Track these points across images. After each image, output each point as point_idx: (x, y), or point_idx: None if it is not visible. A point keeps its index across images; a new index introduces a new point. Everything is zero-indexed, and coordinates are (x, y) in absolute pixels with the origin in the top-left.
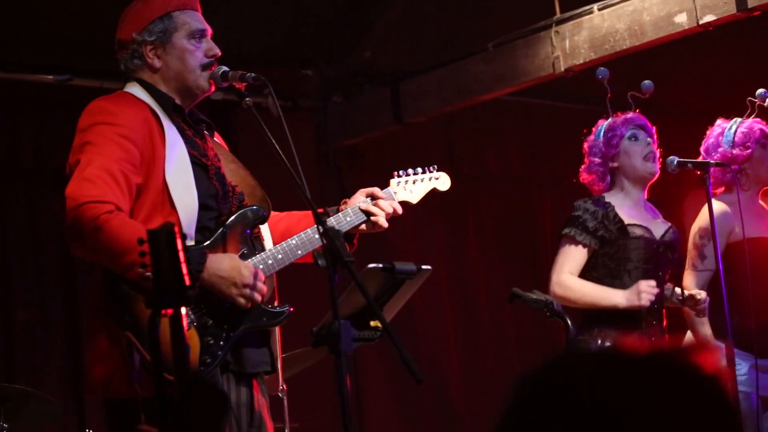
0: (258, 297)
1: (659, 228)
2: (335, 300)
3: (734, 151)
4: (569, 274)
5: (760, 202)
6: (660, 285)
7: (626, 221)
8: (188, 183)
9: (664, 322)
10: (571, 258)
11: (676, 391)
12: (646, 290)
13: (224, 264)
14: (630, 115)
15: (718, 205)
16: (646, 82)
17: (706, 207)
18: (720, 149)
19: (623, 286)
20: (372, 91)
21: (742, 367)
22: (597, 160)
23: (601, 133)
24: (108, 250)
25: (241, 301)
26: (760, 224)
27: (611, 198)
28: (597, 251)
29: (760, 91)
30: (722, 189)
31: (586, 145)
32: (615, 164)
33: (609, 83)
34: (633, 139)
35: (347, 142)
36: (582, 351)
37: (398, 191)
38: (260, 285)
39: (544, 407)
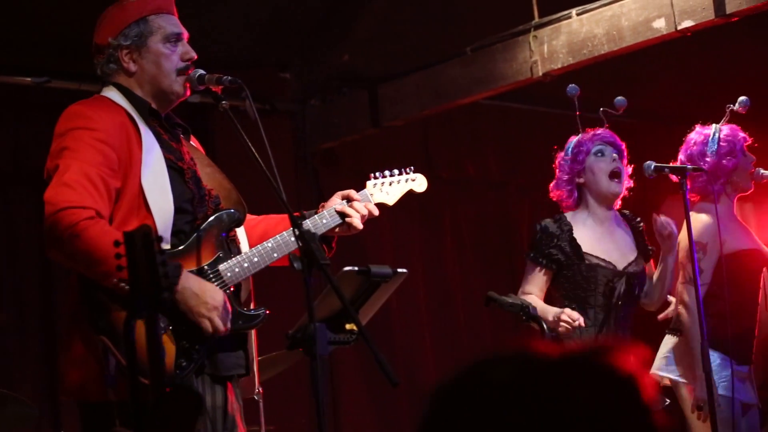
0: (222, 327)
1: (623, 256)
2: (311, 303)
3: (723, 162)
4: (527, 295)
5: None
6: (616, 315)
7: (584, 247)
8: (164, 187)
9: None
10: (530, 281)
11: (590, 392)
12: (564, 320)
13: (200, 284)
14: (599, 131)
15: (704, 218)
16: (619, 98)
17: (693, 218)
18: (707, 159)
19: (581, 311)
20: (350, 94)
21: (726, 373)
22: (564, 176)
23: (569, 149)
24: (85, 257)
25: (206, 323)
26: (744, 235)
27: (575, 217)
28: (557, 273)
29: (743, 98)
30: (698, 198)
31: (556, 161)
32: (581, 180)
33: (587, 89)
34: (599, 155)
35: (325, 146)
36: (494, 355)
37: (374, 193)
38: (225, 315)
39: (459, 416)
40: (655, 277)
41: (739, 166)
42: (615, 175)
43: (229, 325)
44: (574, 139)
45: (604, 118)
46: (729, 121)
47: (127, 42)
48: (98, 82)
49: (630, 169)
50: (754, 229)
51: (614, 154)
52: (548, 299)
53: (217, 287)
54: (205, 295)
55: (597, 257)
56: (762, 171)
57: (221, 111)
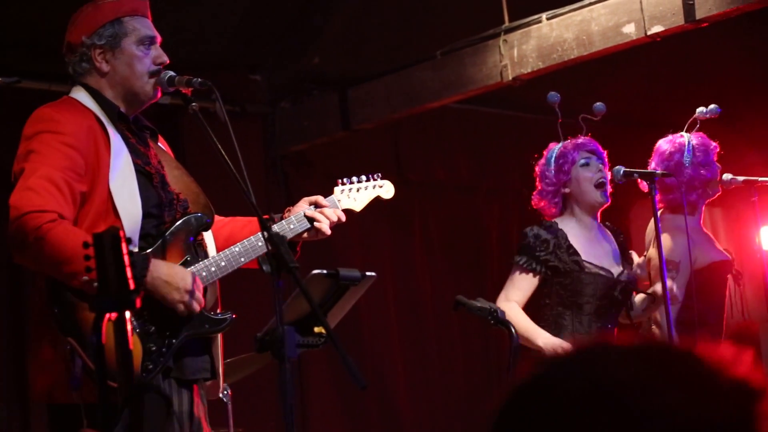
0: (196, 306)
1: (615, 263)
2: (279, 306)
3: (701, 172)
4: (515, 303)
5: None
6: (611, 323)
7: (582, 255)
8: (132, 191)
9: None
10: (518, 287)
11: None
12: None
13: (167, 269)
14: (581, 140)
15: (675, 235)
16: (598, 104)
17: (663, 236)
18: (687, 170)
19: (575, 317)
20: (320, 97)
21: None
22: (549, 188)
23: (552, 159)
24: (51, 259)
25: (181, 307)
26: (710, 247)
27: (563, 224)
28: (550, 279)
29: (712, 106)
30: (665, 207)
31: (537, 170)
32: (566, 190)
33: (556, 92)
34: (585, 165)
35: (295, 148)
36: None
37: (342, 199)
38: (199, 294)
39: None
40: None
41: (714, 175)
42: (601, 185)
43: (203, 302)
44: (555, 148)
45: (583, 124)
46: (697, 129)
47: (101, 42)
48: (68, 83)
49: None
50: (722, 234)
51: (599, 164)
52: (537, 306)
53: (186, 269)
54: (175, 280)
55: (596, 266)
56: (731, 177)
57: (191, 113)
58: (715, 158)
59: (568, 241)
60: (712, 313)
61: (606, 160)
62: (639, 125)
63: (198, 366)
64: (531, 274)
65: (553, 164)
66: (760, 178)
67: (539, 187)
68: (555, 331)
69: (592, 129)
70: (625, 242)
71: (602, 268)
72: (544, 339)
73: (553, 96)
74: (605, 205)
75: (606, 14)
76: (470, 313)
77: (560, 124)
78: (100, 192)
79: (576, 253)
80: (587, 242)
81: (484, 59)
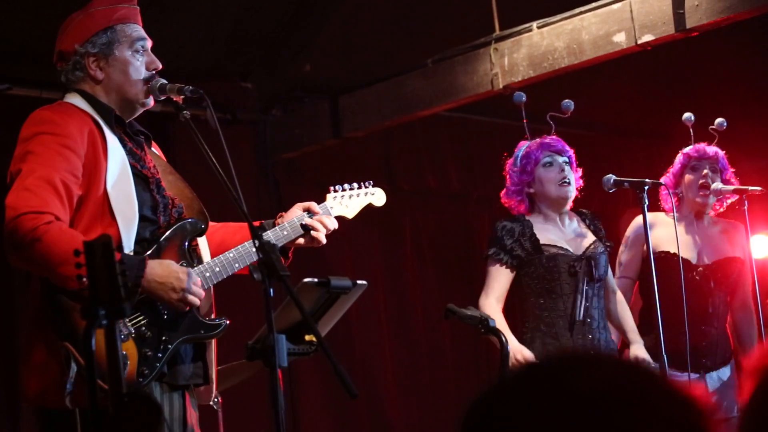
0: (196, 300)
1: (580, 244)
2: (270, 314)
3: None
4: (494, 301)
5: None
6: (586, 297)
7: (542, 241)
8: (129, 194)
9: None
10: (495, 280)
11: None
12: (518, 358)
13: (163, 270)
14: (547, 139)
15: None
16: (566, 101)
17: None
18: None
19: (550, 302)
20: (311, 105)
21: None
22: (513, 187)
23: (518, 160)
24: (46, 260)
25: (181, 306)
26: (706, 247)
27: (532, 218)
28: (518, 273)
29: (687, 115)
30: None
31: (506, 168)
32: (531, 190)
33: (547, 101)
34: (548, 165)
35: (286, 156)
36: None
37: (334, 206)
38: (196, 288)
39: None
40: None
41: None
42: (564, 183)
43: (202, 294)
44: (522, 147)
45: (552, 123)
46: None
47: (94, 50)
48: (60, 90)
49: (580, 178)
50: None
51: (562, 163)
52: (519, 298)
53: (176, 264)
54: (170, 280)
55: (555, 246)
56: (721, 186)
57: (182, 121)
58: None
59: (532, 231)
60: (670, 306)
61: (573, 157)
62: (629, 134)
63: (191, 371)
64: (503, 266)
65: (518, 164)
66: (750, 188)
67: (506, 185)
68: (535, 322)
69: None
70: (601, 229)
71: (561, 248)
72: (513, 346)
73: (518, 96)
74: (571, 199)
75: (597, 23)
76: (461, 322)
77: (542, 131)
78: (96, 194)
79: (536, 239)
80: (553, 233)
81: (475, 68)
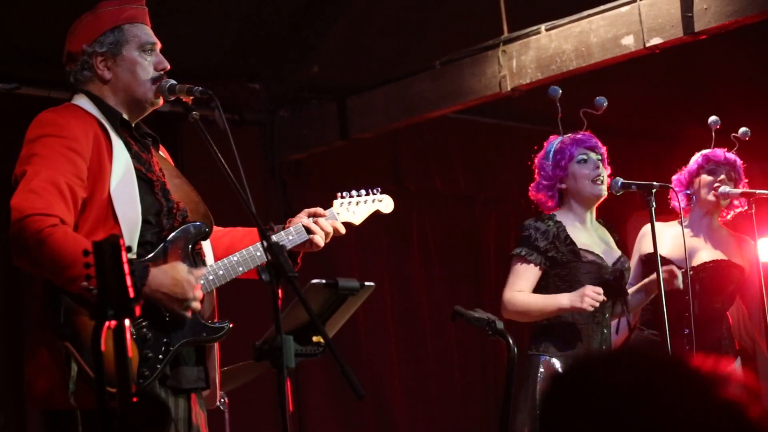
0: (198, 308)
1: (611, 256)
2: (278, 315)
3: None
4: (518, 292)
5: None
6: (609, 309)
7: (579, 245)
8: (132, 197)
9: (619, 338)
10: (522, 277)
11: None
12: (590, 294)
13: (167, 279)
14: (580, 135)
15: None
16: (600, 98)
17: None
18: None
19: None
20: (319, 106)
21: None
22: (545, 181)
23: (551, 154)
24: (51, 263)
25: (183, 314)
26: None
27: (561, 217)
28: (547, 271)
29: (743, 129)
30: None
31: (536, 162)
32: (563, 186)
33: (555, 103)
34: (582, 162)
35: (293, 157)
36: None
37: (341, 212)
38: (199, 293)
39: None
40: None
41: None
42: (598, 181)
43: (200, 294)
44: (555, 141)
45: (584, 119)
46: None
47: (102, 49)
48: (68, 90)
49: (609, 176)
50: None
51: (597, 161)
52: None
53: (179, 271)
54: (175, 290)
55: (591, 253)
56: (728, 189)
57: (191, 121)
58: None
59: (566, 232)
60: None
61: (605, 155)
62: (637, 137)
63: (194, 375)
64: (532, 265)
65: (551, 159)
66: (758, 191)
67: (536, 180)
68: (556, 320)
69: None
70: (620, 242)
71: (597, 256)
72: (565, 298)
73: (554, 90)
74: (603, 198)
75: (605, 26)
76: (468, 324)
77: (562, 122)
78: (100, 197)
79: (573, 243)
80: (584, 233)
81: (483, 70)
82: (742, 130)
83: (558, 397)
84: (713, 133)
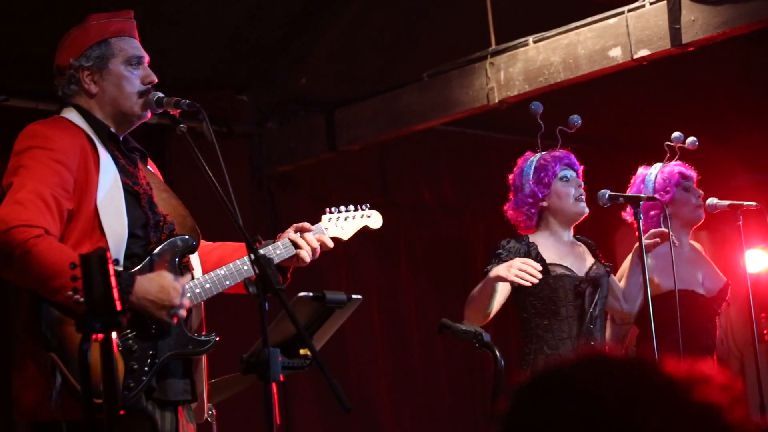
0: (183, 315)
1: (583, 264)
2: (265, 327)
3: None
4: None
5: (692, 242)
6: (590, 319)
7: (548, 261)
8: (119, 210)
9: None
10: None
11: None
12: (518, 266)
13: (152, 287)
14: (559, 153)
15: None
16: (574, 116)
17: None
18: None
19: (556, 323)
20: (307, 118)
21: None
22: (528, 199)
23: (531, 171)
24: (37, 273)
25: (170, 321)
26: (687, 274)
27: (536, 238)
28: (521, 291)
29: (676, 134)
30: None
31: (511, 179)
32: (544, 204)
33: (542, 115)
34: (565, 179)
35: (281, 169)
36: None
37: (329, 227)
38: (185, 301)
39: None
40: (626, 278)
41: (675, 199)
42: (581, 199)
43: (187, 302)
44: (533, 158)
45: (560, 137)
46: (677, 158)
47: (88, 63)
48: (56, 102)
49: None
50: (708, 258)
51: (578, 178)
52: (519, 318)
53: (165, 279)
54: (161, 297)
55: (562, 266)
56: (716, 201)
57: (179, 134)
58: (677, 184)
59: (537, 251)
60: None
61: (581, 173)
62: (625, 149)
63: (180, 388)
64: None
65: (532, 176)
66: (745, 202)
67: (513, 198)
68: (538, 344)
69: (576, 153)
70: (599, 254)
71: (567, 268)
72: (495, 269)
73: (536, 105)
74: (584, 216)
75: (593, 38)
76: (455, 336)
77: (540, 143)
78: (86, 209)
79: (544, 261)
80: (554, 249)
81: (471, 82)
82: (690, 139)
83: (522, 412)
84: (677, 149)
